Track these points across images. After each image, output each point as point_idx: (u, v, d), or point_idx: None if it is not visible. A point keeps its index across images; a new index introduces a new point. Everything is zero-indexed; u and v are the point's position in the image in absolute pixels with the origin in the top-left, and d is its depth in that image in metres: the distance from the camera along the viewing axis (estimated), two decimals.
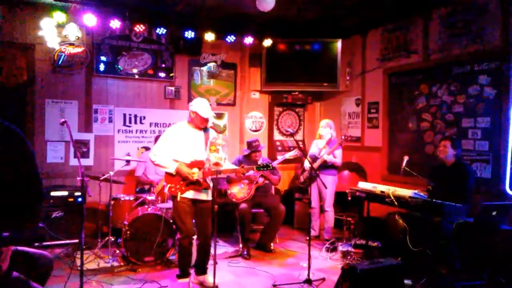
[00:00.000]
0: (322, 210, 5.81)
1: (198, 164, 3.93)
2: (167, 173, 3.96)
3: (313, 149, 5.84)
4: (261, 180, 5.32)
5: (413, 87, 5.75)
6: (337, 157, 5.61)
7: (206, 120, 3.97)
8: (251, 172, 5.16)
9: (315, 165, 5.48)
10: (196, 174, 3.90)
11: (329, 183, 5.51)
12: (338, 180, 5.86)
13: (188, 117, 4.08)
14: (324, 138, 5.78)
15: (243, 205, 5.19)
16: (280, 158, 5.61)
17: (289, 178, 7.33)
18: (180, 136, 3.98)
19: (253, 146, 5.40)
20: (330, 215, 5.72)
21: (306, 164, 5.62)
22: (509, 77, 4.55)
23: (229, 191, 5.32)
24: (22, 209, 2.11)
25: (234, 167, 4.43)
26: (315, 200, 5.73)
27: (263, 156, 5.72)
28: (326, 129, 5.78)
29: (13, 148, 2.08)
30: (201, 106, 3.94)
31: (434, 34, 5.43)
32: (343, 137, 5.53)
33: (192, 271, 4.18)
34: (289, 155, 5.57)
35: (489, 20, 4.76)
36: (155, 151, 3.94)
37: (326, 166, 5.59)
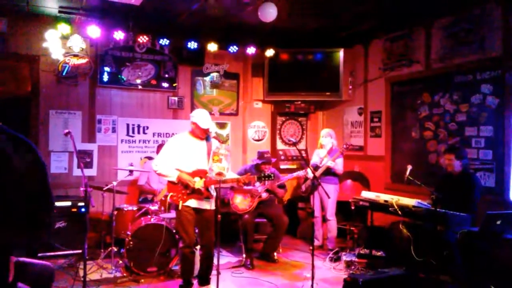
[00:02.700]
0: (324, 219, 5.80)
1: (200, 173, 3.95)
2: (169, 182, 3.98)
3: (314, 159, 5.86)
4: (265, 195, 5.30)
5: (416, 96, 5.75)
6: (338, 164, 5.62)
7: (206, 131, 3.99)
8: (256, 186, 5.17)
9: (317, 173, 5.48)
10: (197, 182, 3.91)
11: (331, 192, 5.50)
12: (341, 190, 5.87)
13: (189, 128, 4.12)
14: (325, 147, 5.80)
15: (246, 215, 5.18)
16: (288, 176, 5.62)
17: (291, 187, 7.31)
18: (182, 146, 4.02)
19: (265, 158, 5.38)
20: (333, 224, 5.70)
21: (308, 173, 5.62)
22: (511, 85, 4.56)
23: (232, 201, 5.32)
24: (33, 218, 2.13)
25: (235, 175, 4.44)
26: (317, 209, 5.72)
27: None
28: (327, 138, 5.80)
29: (25, 159, 2.11)
30: (201, 117, 3.97)
31: (436, 44, 5.44)
32: (344, 146, 5.55)
33: (195, 281, 4.16)
34: (296, 174, 5.61)
35: (490, 29, 4.78)
36: (157, 161, 3.98)
37: (328, 174, 5.60)
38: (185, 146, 4.03)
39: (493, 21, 4.74)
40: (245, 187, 5.23)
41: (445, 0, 5.01)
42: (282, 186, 5.54)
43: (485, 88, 4.85)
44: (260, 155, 5.45)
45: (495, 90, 4.74)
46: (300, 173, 5.63)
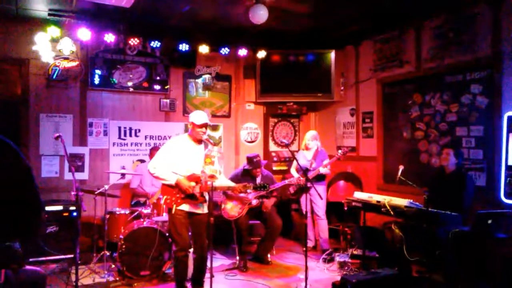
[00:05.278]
0: (313, 220, 5.82)
1: (196, 179, 3.91)
2: (164, 184, 3.95)
3: (302, 161, 5.73)
4: (255, 202, 5.27)
5: (407, 97, 5.78)
6: (328, 167, 5.67)
7: (200, 127, 3.95)
8: (249, 194, 5.15)
9: (309, 177, 5.49)
10: (194, 188, 3.88)
11: (321, 192, 5.52)
12: (334, 190, 5.93)
13: (189, 130, 4.10)
14: (311, 150, 5.82)
15: (240, 218, 5.17)
16: (280, 183, 5.55)
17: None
18: (180, 149, 3.98)
19: (254, 163, 5.30)
20: (324, 224, 5.73)
21: (296, 175, 5.64)
22: (501, 85, 4.60)
23: (222, 206, 5.29)
24: (20, 223, 2.11)
25: (231, 183, 4.40)
26: (308, 210, 5.71)
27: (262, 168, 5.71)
28: (313, 141, 5.82)
29: (8, 164, 2.09)
30: (196, 115, 3.97)
31: (426, 44, 5.48)
32: (341, 152, 5.54)
33: (188, 284, 4.14)
34: (288, 181, 5.53)
35: (480, 30, 4.82)
36: (155, 164, 3.91)
37: (317, 176, 5.62)
38: (183, 149, 3.99)
39: (483, 22, 4.79)
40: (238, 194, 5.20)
41: (435, 1, 5.04)
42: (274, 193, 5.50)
43: (475, 88, 4.89)
44: (249, 160, 5.36)
45: (484, 90, 4.79)
46: (293, 180, 5.52)
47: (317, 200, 5.56)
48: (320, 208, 5.70)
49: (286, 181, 5.55)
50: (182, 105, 6.72)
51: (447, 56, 5.20)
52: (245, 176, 5.39)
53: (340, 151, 5.58)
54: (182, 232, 3.91)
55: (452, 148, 4.63)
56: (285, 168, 7.38)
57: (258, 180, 5.40)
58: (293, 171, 5.85)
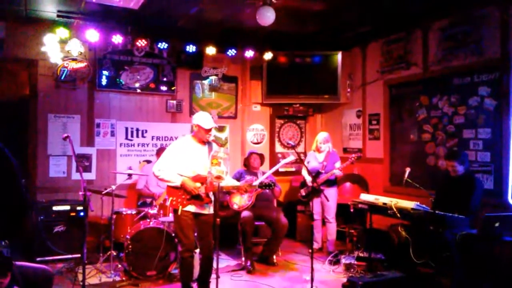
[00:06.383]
0: (324, 222, 5.81)
1: (201, 179, 3.92)
2: (169, 186, 3.96)
3: (313, 163, 5.80)
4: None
5: (414, 99, 5.76)
6: (341, 169, 5.66)
7: (208, 131, 3.97)
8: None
9: (321, 179, 5.50)
10: (200, 189, 3.90)
11: (332, 195, 5.57)
12: (340, 192, 5.94)
13: (192, 131, 4.11)
14: (323, 152, 5.81)
15: (245, 214, 5.18)
16: (277, 165, 5.72)
17: (289, 189, 7.31)
18: (185, 151, 3.99)
19: (251, 152, 5.67)
20: (333, 227, 5.72)
21: (308, 178, 5.66)
22: (509, 88, 4.56)
23: (231, 203, 5.34)
24: (5, 220, 2.12)
25: (236, 182, 4.44)
26: (316, 212, 5.72)
27: (262, 169, 5.74)
28: (325, 144, 5.82)
29: None
30: (203, 118, 3.96)
31: (434, 46, 5.46)
32: (354, 156, 5.56)
33: (194, 285, 4.15)
34: (285, 161, 5.65)
35: (488, 32, 4.79)
36: (160, 166, 3.92)
37: (329, 180, 5.61)
38: (188, 150, 3.99)
39: (491, 23, 4.76)
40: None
41: (442, 2, 5.02)
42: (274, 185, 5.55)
43: (483, 90, 4.86)
44: (248, 153, 5.78)
45: (492, 92, 4.75)
46: (289, 159, 5.74)
47: (326, 202, 5.54)
48: (330, 211, 5.70)
49: (282, 162, 5.72)
50: (189, 106, 6.75)
51: (454, 58, 5.17)
52: (246, 171, 5.64)
53: (353, 155, 5.60)
54: (187, 233, 3.92)
55: (453, 159, 4.45)
56: (290, 169, 7.37)
57: (260, 175, 5.55)
58: (304, 172, 5.84)
